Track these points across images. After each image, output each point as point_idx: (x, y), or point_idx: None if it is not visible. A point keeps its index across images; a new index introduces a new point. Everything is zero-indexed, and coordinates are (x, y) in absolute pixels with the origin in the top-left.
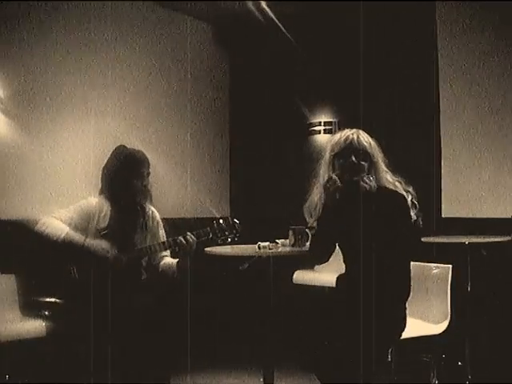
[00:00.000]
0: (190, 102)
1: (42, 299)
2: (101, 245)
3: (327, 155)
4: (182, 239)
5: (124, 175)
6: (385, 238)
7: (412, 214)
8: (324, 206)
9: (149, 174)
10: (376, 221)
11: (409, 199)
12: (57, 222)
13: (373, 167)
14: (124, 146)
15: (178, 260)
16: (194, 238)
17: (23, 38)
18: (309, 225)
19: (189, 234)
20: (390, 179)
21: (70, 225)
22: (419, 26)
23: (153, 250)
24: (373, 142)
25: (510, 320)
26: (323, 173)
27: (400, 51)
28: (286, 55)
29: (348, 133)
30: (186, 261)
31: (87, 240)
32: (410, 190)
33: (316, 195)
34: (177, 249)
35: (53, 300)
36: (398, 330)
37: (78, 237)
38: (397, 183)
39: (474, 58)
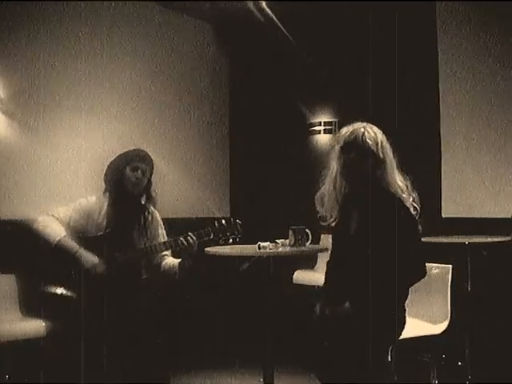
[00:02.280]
0: (190, 101)
1: (42, 299)
2: (89, 259)
3: (336, 147)
4: (183, 240)
5: (119, 166)
6: (383, 241)
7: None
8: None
9: (146, 170)
10: (373, 225)
11: (410, 200)
12: (55, 224)
13: (379, 166)
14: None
15: (179, 260)
16: (195, 239)
17: (23, 38)
18: (319, 215)
19: (190, 234)
20: (396, 180)
21: (68, 223)
22: (419, 26)
23: (153, 250)
24: (381, 140)
25: (510, 320)
26: (332, 165)
27: (400, 51)
28: (286, 55)
29: (355, 127)
30: (188, 261)
31: (79, 252)
32: (414, 194)
33: (327, 187)
34: (178, 249)
35: (53, 300)
36: (397, 330)
37: (71, 245)
38: (401, 183)
39: (473, 58)
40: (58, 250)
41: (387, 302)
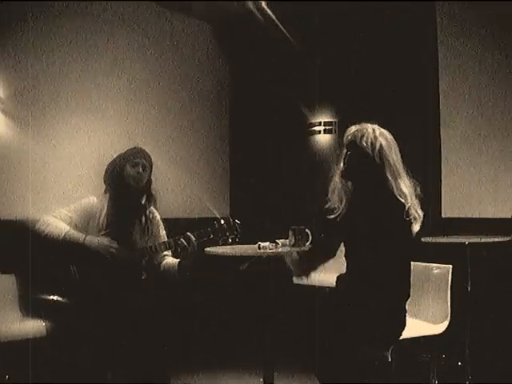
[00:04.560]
0: (190, 101)
1: (42, 299)
2: (102, 241)
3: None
4: (183, 240)
5: (119, 164)
6: (380, 242)
7: (413, 224)
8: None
9: (146, 166)
10: (371, 226)
11: (407, 206)
12: (57, 221)
13: (376, 170)
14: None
15: (179, 260)
16: (194, 239)
17: (24, 38)
18: (326, 206)
19: (189, 234)
20: (400, 187)
21: (70, 224)
22: (419, 26)
23: (153, 250)
24: (381, 144)
25: (510, 320)
26: (339, 161)
27: (400, 52)
28: (285, 55)
29: (360, 127)
30: (188, 261)
31: (87, 237)
32: (414, 201)
33: (336, 181)
34: (178, 249)
35: (53, 300)
36: (397, 331)
37: (77, 235)
38: (405, 189)
39: (473, 58)
40: (65, 243)
41: (387, 302)
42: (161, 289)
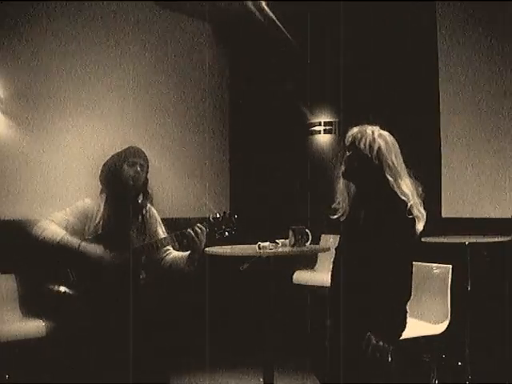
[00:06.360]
0: (190, 101)
1: (41, 300)
2: (95, 249)
3: None
4: (192, 231)
5: (116, 164)
6: (381, 241)
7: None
8: None
9: (143, 165)
10: (373, 225)
11: (409, 205)
12: (53, 226)
13: (375, 171)
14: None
15: (189, 253)
16: (204, 229)
17: (24, 38)
18: (332, 206)
19: (199, 225)
20: (401, 186)
21: (66, 227)
22: (419, 26)
23: (154, 247)
24: (380, 146)
25: (510, 320)
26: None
27: (400, 52)
28: (285, 55)
29: (360, 129)
30: (197, 254)
31: (82, 244)
32: (416, 200)
33: (340, 182)
34: (185, 242)
35: (52, 301)
36: (398, 331)
37: (73, 241)
38: (406, 190)
39: (474, 57)
40: (60, 249)
41: (388, 302)
42: (161, 287)
